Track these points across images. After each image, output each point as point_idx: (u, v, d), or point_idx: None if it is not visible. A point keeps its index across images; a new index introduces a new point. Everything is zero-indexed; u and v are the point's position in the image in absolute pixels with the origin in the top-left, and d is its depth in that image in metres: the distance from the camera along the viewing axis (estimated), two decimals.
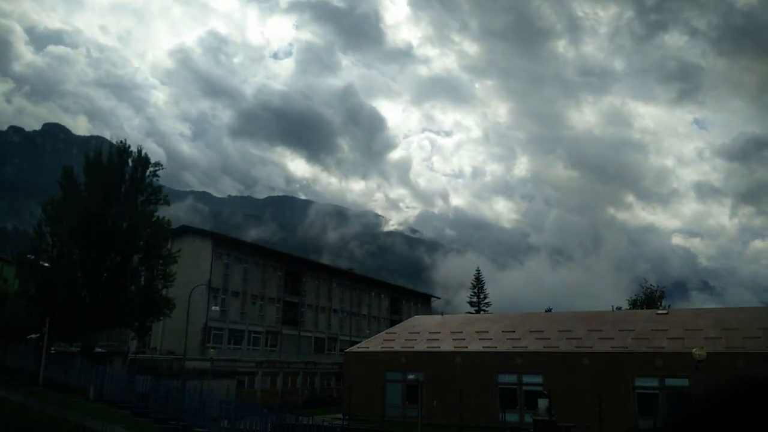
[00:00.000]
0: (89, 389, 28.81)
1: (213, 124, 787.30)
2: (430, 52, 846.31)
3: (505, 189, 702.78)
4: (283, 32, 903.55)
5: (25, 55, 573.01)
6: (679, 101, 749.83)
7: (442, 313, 63.37)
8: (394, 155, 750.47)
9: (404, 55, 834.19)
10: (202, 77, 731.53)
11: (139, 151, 38.99)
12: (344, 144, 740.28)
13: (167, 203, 40.02)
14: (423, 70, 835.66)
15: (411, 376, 35.16)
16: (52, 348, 34.22)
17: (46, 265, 36.88)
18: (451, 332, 45.43)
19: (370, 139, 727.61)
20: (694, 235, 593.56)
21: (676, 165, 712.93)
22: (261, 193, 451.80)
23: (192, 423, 24.97)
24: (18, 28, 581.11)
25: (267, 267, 62.13)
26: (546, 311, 64.69)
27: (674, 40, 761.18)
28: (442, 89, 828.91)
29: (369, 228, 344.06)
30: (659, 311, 45.65)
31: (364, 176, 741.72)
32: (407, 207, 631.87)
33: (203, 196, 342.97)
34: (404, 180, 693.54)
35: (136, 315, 37.10)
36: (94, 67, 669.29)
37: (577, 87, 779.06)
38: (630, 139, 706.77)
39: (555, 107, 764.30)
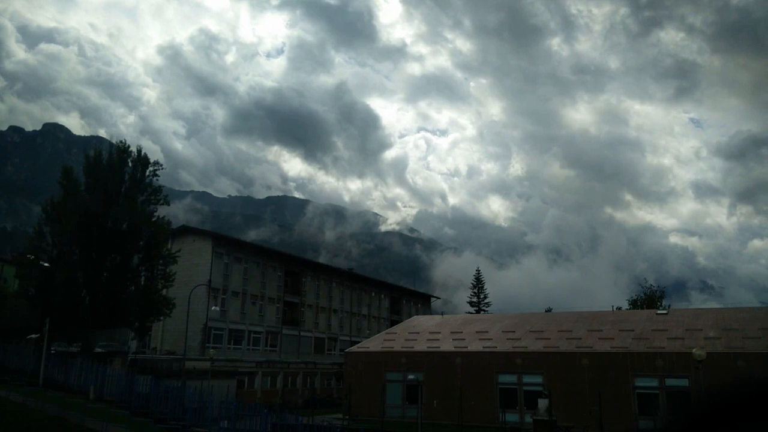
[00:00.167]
0: (89, 389, 28.81)
1: (207, 122, 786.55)
2: (424, 49, 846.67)
3: (501, 188, 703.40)
4: (275, 30, 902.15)
5: (17, 53, 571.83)
6: (674, 99, 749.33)
7: (442, 314, 63.36)
8: (391, 154, 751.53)
9: (398, 52, 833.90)
10: (195, 75, 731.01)
11: (139, 151, 39.01)
12: (340, 143, 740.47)
13: (167, 203, 40.03)
14: (417, 68, 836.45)
15: (411, 376, 35.15)
16: (52, 348, 34.21)
17: (46, 265, 36.87)
18: (451, 332, 45.43)
19: (365, 138, 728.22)
20: (692, 234, 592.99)
21: (673, 164, 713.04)
22: (258, 193, 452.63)
23: (192, 423, 24.97)
24: (9, 26, 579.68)
25: (267, 267, 62.13)
26: (546, 311, 64.68)
27: (670, 37, 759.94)
28: (437, 87, 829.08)
29: (367, 227, 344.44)
30: (659, 311, 45.64)
31: (361, 175, 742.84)
32: (404, 206, 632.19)
33: (202, 196, 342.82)
34: (401, 179, 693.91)
35: (136, 315, 37.08)
36: (86, 65, 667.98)
37: (572, 85, 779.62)
38: (626, 137, 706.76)
39: (550, 106, 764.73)
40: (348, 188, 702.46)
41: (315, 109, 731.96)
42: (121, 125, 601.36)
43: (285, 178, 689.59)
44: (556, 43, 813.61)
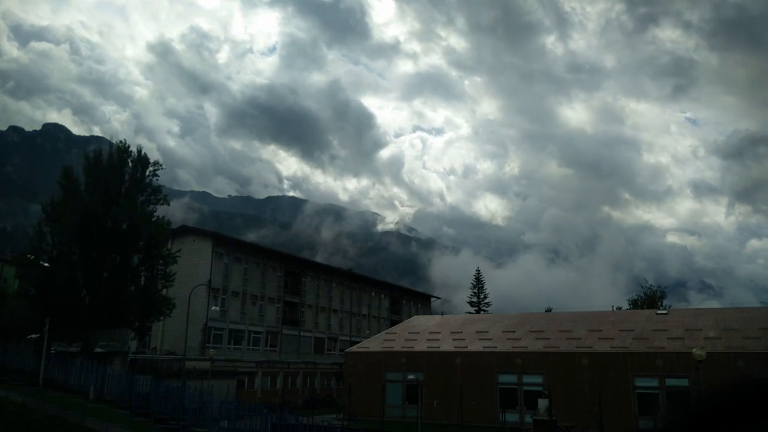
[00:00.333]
0: (89, 389, 28.81)
1: (201, 121, 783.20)
2: (417, 47, 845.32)
3: (498, 187, 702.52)
4: (267, 27, 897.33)
5: (10, 52, 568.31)
6: (670, 98, 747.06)
7: (442, 314, 63.36)
8: (386, 153, 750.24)
9: (391, 50, 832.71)
10: (187, 73, 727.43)
11: (139, 151, 39.02)
12: (336, 142, 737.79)
13: (167, 203, 40.04)
14: (411, 66, 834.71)
15: (411, 376, 35.15)
16: (52, 348, 34.20)
17: (46, 265, 36.87)
18: (451, 332, 45.44)
19: (361, 137, 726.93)
20: (690, 233, 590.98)
21: (670, 163, 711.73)
22: (255, 192, 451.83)
23: (192, 423, 24.98)
24: (2, 24, 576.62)
25: (267, 267, 62.14)
26: (546, 311, 64.68)
27: (666, 34, 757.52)
28: (431, 86, 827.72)
29: (364, 227, 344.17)
30: (659, 311, 45.65)
31: (357, 174, 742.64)
32: (402, 206, 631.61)
33: (200, 196, 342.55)
34: (397, 178, 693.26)
35: (136, 315, 37.08)
36: (78, 63, 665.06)
37: (567, 83, 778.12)
38: (623, 136, 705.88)
39: (546, 104, 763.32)
40: (344, 188, 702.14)
41: (310, 107, 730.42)
42: (116, 123, 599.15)
43: (281, 177, 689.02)
44: (550, 41, 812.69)
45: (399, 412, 39.54)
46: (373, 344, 46.52)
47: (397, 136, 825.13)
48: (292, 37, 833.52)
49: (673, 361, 33.93)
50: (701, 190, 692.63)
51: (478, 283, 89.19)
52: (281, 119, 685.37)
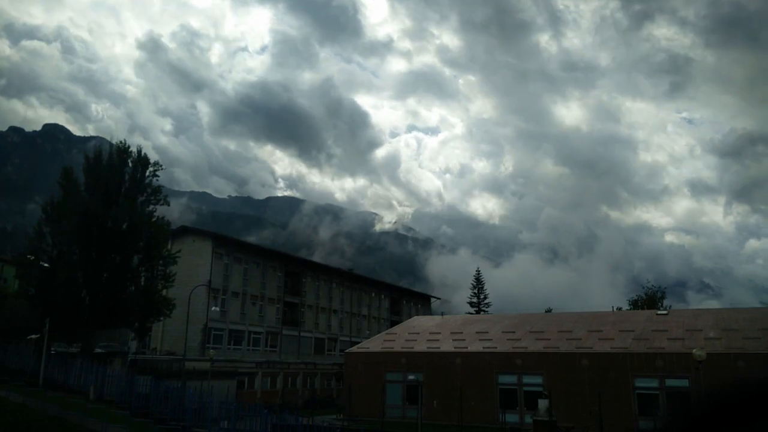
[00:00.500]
0: (89, 389, 28.80)
1: (195, 120, 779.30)
2: (410, 45, 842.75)
3: (495, 186, 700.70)
4: (259, 25, 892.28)
5: (2, 50, 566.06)
6: (666, 96, 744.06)
7: (442, 314, 63.36)
8: (382, 152, 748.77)
9: (384, 47, 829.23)
10: (180, 71, 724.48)
11: (139, 152, 39.00)
12: (332, 141, 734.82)
13: (167, 203, 40.02)
14: (404, 65, 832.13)
15: (411, 377, 35.17)
16: (52, 348, 34.19)
17: (46, 265, 36.86)
18: (451, 333, 45.44)
19: (357, 136, 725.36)
20: (688, 233, 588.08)
21: (667, 162, 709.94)
22: (250, 192, 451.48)
23: (192, 423, 24.97)
24: None
25: (267, 267, 62.15)
26: (546, 311, 64.69)
27: (661, 31, 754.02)
28: (426, 85, 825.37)
29: (362, 226, 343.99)
30: (659, 312, 45.65)
31: (354, 174, 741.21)
32: (400, 205, 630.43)
33: (199, 196, 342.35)
34: (394, 177, 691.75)
35: (136, 315, 37.07)
36: (70, 62, 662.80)
37: (562, 82, 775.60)
38: (619, 135, 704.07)
39: (541, 103, 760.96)
40: (341, 187, 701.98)
41: (304, 106, 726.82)
42: (109, 121, 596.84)
43: (276, 177, 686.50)
44: (544, 39, 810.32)
45: (399, 412, 39.54)
46: (373, 345, 46.52)
47: (393, 135, 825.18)
48: (284, 35, 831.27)
49: (674, 362, 33.94)
50: (699, 189, 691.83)
51: (478, 283, 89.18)
52: (275, 118, 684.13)
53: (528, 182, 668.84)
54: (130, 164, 38.45)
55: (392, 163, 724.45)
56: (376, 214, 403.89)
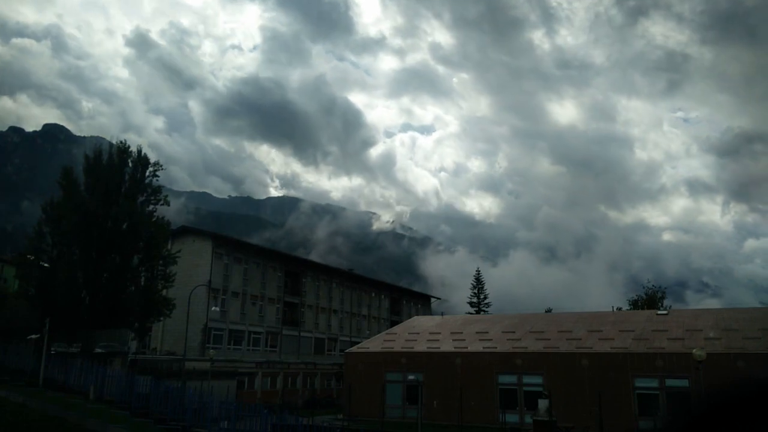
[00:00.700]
0: (89, 389, 28.78)
1: (189, 118, 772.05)
2: (403, 43, 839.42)
3: (491, 185, 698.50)
4: (249, 22, 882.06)
5: None
6: (662, 94, 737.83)
7: (442, 314, 63.37)
8: (378, 152, 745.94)
9: (376, 45, 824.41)
10: (171, 69, 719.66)
11: (139, 152, 39.01)
12: (327, 140, 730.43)
13: (167, 203, 40.02)
14: (398, 63, 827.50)
15: (411, 377, 35.18)
16: (52, 348, 34.17)
17: (46, 265, 36.86)
18: (451, 333, 45.44)
19: (353, 136, 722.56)
20: (686, 232, 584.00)
21: (663, 160, 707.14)
22: (246, 191, 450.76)
23: (192, 423, 24.96)
24: None
25: (267, 267, 62.16)
26: (546, 311, 64.71)
27: (657, 28, 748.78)
28: (419, 83, 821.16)
29: (360, 226, 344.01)
30: (659, 312, 45.66)
31: (350, 173, 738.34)
32: (398, 204, 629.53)
33: (197, 196, 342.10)
34: (391, 177, 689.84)
35: (136, 315, 37.08)
36: (60, 60, 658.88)
37: (556, 80, 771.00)
38: (615, 133, 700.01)
39: (536, 101, 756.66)
40: (338, 186, 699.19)
41: (298, 105, 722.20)
42: (102, 119, 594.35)
43: (272, 176, 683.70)
44: (537, 36, 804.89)
45: (399, 412, 39.55)
46: (373, 345, 46.53)
47: (388, 134, 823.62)
48: (274, 31, 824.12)
49: (673, 362, 33.94)
50: (696, 188, 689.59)
51: (478, 283, 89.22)
52: (269, 116, 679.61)
53: (524, 181, 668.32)
54: (130, 164, 38.46)
55: (388, 162, 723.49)
56: (373, 213, 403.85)
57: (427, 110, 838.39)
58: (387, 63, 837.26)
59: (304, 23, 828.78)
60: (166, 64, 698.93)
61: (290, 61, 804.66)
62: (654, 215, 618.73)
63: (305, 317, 66.03)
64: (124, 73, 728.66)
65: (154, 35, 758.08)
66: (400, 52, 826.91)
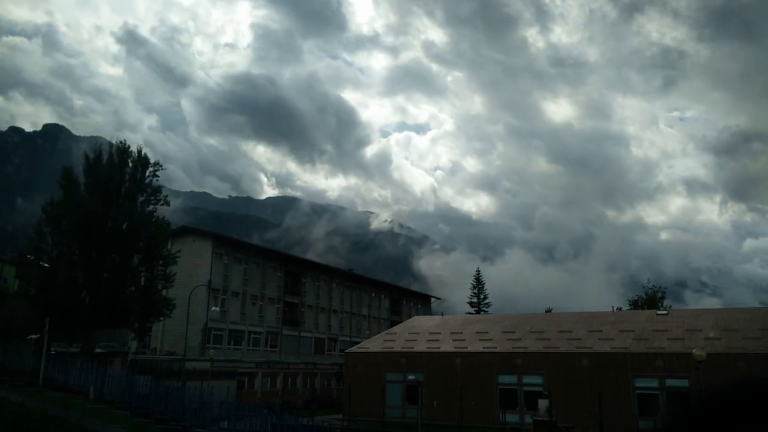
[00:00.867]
0: (89, 389, 28.78)
1: (182, 117, 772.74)
2: (396, 41, 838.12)
3: (487, 184, 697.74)
4: (240, 19, 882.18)
5: None
6: (659, 92, 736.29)
7: (441, 314, 63.37)
8: (374, 151, 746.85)
9: (369, 42, 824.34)
10: (162, 66, 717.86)
11: (139, 152, 39.01)
12: (323, 140, 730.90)
13: (167, 203, 40.01)
14: (391, 61, 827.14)
15: (411, 377, 35.17)
16: (52, 348, 34.17)
17: (46, 265, 36.85)
18: (451, 333, 45.44)
19: (348, 135, 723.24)
20: (684, 231, 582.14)
21: (660, 159, 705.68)
22: (242, 191, 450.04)
23: (192, 423, 24.96)
24: None
25: (267, 267, 62.15)
26: (546, 311, 64.70)
27: (652, 24, 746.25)
28: (414, 82, 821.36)
29: (358, 225, 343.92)
30: (659, 312, 45.66)
31: (347, 172, 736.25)
32: (396, 203, 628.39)
33: (193, 196, 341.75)
34: (387, 176, 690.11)
35: (136, 315, 37.07)
36: (51, 58, 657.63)
37: (551, 78, 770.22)
38: (610, 132, 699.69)
39: (530, 100, 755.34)
40: (334, 185, 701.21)
41: (292, 104, 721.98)
42: (96, 116, 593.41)
43: (268, 175, 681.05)
44: (531, 34, 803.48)
45: (399, 412, 39.55)
46: (373, 345, 46.53)
47: (384, 133, 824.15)
48: (266, 29, 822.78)
49: (674, 362, 33.94)
50: (693, 187, 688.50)
51: (478, 283, 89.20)
52: (263, 114, 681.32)
53: (521, 179, 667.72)
54: (130, 164, 38.45)
55: (384, 161, 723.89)
56: (371, 212, 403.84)
57: (422, 109, 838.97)
58: (380, 61, 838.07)
59: (296, 20, 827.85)
60: (157, 62, 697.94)
61: (282, 59, 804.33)
62: (651, 214, 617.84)
63: (305, 317, 66.03)
64: (115, 71, 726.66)
65: (145, 33, 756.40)
66: (393, 50, 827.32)
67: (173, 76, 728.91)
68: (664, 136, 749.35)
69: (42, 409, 24.23)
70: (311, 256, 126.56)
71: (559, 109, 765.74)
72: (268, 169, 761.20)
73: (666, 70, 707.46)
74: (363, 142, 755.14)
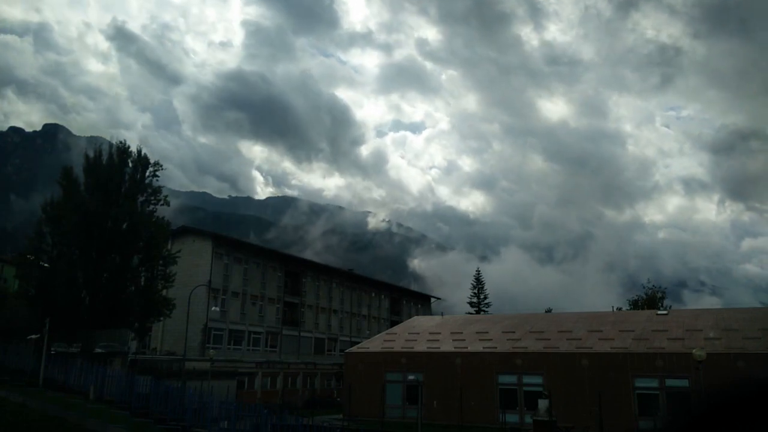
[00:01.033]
0: (89, 389, 28.78)
1: (176, 116, 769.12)
2: (390, 39, 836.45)
3: (484, 183, 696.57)
4: (233, 17, 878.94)
5: None
6: (655, 90, 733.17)
7: (441, 314, 63.36)
8: (370, 150, 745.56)
9: (362, 39, 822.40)
10: (153, 64, 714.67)
11: (139, 152, 39.01)
12: (318, 138, 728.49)
13: (167, 203, 40.01)
14: (386, 59, 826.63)
15: (411, 377, 35.16)
16: (52, 348, 34.17)
17: (46, 265, 36.85)
18: (451, 333, 45.44)
19: (345, 134, 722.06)
20: (682, 230, 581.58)
21: (656, 158, 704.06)
22: (240, 190, 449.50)
23: (192, 423, 24.96)
24: None
25: (267, 267, 62.15)
26: (546, 311, 64.71)
27: (648, 21, 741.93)
28: (408, 80, 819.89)
29: (355, 225, 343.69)
30: (659, 312, 45.66)
31: (343, 172, 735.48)
32: (392, 203, 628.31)
33: (196, 196, 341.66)
34: (383, 175, 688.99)
35: (136, 315, 37.07)
36: (43, 56, 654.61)
37: (546, 76, 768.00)
38: (606, 130, 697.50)
39: (525, 98, 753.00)
40: (331, 185, 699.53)
41: (287, 103, 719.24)
42: (90, 115, 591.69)
43: (263, 173, 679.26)
44: (525, 32, 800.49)
45: (399, 412, 39.54)
46: (373, 345, 46.53)
47: (379, 132, 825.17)
48: (259, 27, 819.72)
49: (674, 362, 33.94)
50: (690, 186, 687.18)
51: (479, 283, 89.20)
52: (257, 112, 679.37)
53: (518, 178, 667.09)
54: (130, 164, 38.45)
55: (380, 160, 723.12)
56: (369, 212, 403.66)
57: (417, 107, 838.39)
58: (373, 59, 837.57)
59: (287, 17, 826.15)
60: (149, 60, 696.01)
61: (275, 56, 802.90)
62: (649, 213, 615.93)
63: (305, 317, 66.02)
64: (106, 68, 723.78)
65: (136, 30, 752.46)
66: (386, 48, 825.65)
67: (165, 74, 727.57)
68: (661, 134, 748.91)
69: (42, 409, 24.23)
70: (309, 255, 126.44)
71: (555, 108, 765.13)
72: (264, 168, 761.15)
73: (662, 67, 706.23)
74: (358, 141, 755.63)
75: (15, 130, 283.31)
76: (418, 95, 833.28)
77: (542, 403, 30.65)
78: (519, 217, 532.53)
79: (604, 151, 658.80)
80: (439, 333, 45.89)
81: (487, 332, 44.08)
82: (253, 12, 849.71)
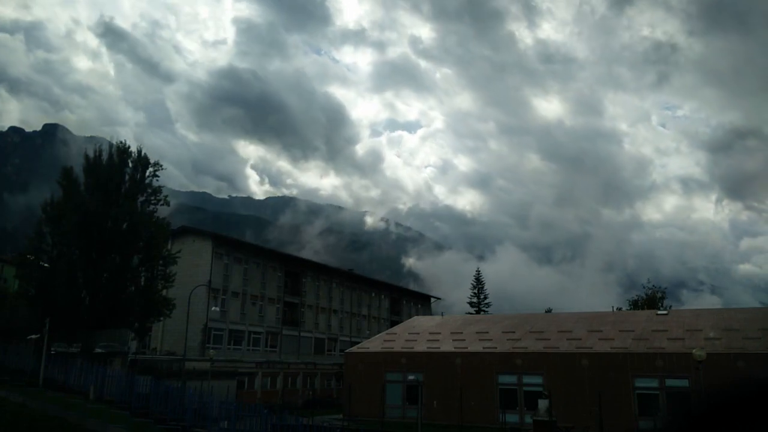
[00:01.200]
0: (89, 389, 28.78)
1: (167, 114, 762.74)
2: (382, 36, 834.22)
3: (480, 182, 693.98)
4: (225, 15, 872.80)
5: None
6: (650, 88, 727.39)
7: (441, 314, 63.37)
8: (365, 149, 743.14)
9: (355, 36, 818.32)
10: (145, 62, 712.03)
11: (139, 152, 38.99)
12: (316, 138, 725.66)
13: (167, 203, 40.01)
14: (380, 57, 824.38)
15: (411, 377, 35.16)
16: (52, 348, 34.18)
17: (46, 265, 36.85)
18: (451, 333, 45.44)
19: (339, 133, 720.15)
20: (680, 229, 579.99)
21: (653, 157, 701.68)
22: (238, 190, 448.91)
23: (192, 424, 24.96)
24: None
25: (267, 267, 62.16)
26: (546, 311, 64.72)
27: (643, 17, 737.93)
28: (403, 79, 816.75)
29: (353, 224, 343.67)
30: (659, 312, 45.67)
31: (339, 171, 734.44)
32: (389, 202, 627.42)
33: (195, 195, 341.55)
34: (382, 175, 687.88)
35: (136, 315, 37.07)
36: (35, 54, 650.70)
37: (540, 75, 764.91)
38: (603, 129, 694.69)
39: (520, 97, 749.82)
40: (327, 185, 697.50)
41: (282, 102, 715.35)
42: (84, 112, 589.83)
43: (261, 173, 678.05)
44: (519, 29, 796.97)
45: (399, 412, 39.55)
46: (373, 345, 46.53)
47: (374, 131, 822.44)
48: (251, 24, 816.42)
49: (674, 362, 33.94)
50: (688, 185, 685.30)
51: (478, 283, 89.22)
52: (252, 112, 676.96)
53: (515, 177, 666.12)
54: (130, 164, 38.44)
55: (375, 159, 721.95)
56: (366, 211, 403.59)
57: (411, 106, 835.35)
58: (366, 56, 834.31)
59: (279, 14, 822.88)
60: (140, 57, 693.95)
61: (267, 54, 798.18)
62: (647, 212, 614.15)
63: (305, 317, 66.03)
64: (97, 66, 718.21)
65: (127, 27, 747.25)
66: (379, 46, 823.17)
67: (157, 72, 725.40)
68: (657, 133, 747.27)
69: (42, 409, 24.23)
70: (307, 255, 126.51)
71: (550, 106, 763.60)
72: (259, 167, 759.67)
73: (658, 65, 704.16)
74: (353, 140, 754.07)
75: (15, 130, 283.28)
76: (413, 93, 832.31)
77: (542, 403, 30.66)
78: (516, 216, 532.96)
79: (601, 150, 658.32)
80: (439, 333, 45.90)
81: (487, 332, 44.08)
82: (245, 9, 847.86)
